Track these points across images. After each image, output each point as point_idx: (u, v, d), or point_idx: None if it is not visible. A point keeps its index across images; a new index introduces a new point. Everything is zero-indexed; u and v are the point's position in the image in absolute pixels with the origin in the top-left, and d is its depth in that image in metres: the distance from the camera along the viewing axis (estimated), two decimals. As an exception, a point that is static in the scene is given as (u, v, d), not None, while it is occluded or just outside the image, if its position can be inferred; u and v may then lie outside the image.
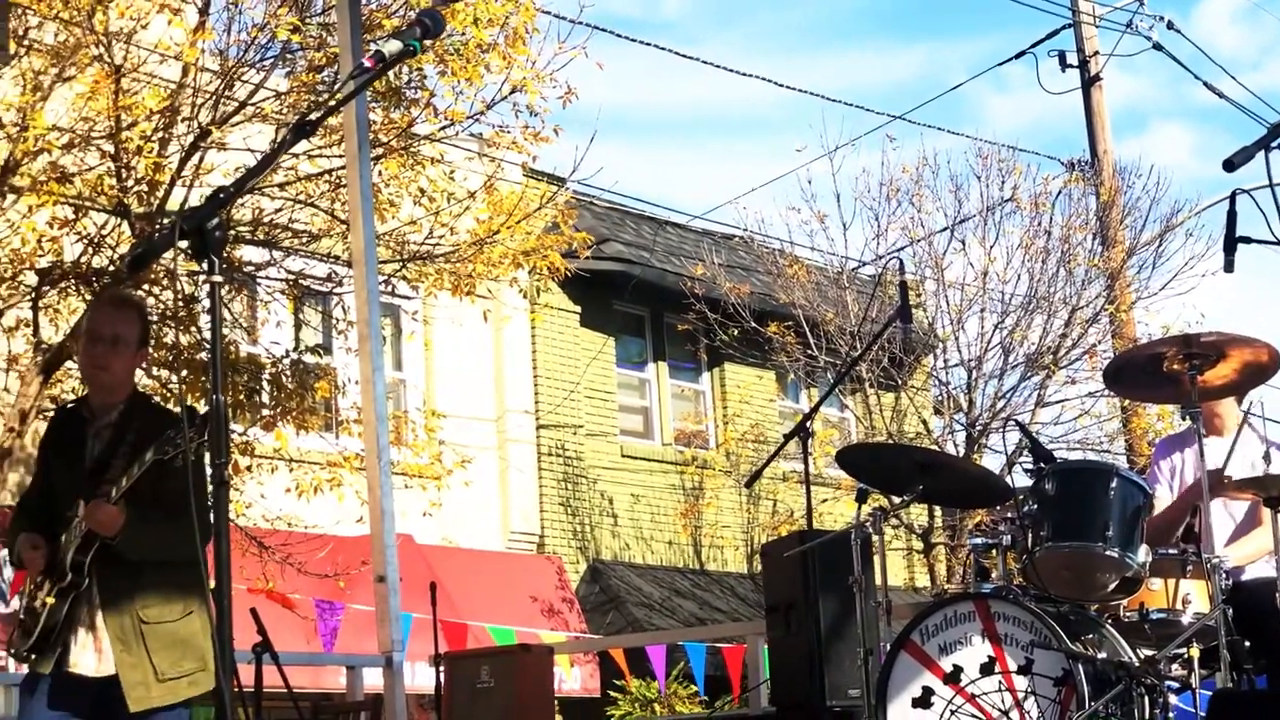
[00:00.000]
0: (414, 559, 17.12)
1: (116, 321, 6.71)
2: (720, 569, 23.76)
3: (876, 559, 8.20)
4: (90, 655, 6.47)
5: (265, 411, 14.11)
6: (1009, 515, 7.81)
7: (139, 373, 13.40)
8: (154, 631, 6.43)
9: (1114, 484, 7.51)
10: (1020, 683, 7.13)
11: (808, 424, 8.89)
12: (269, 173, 13.15)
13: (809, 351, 21.25)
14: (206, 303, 13.41)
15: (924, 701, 7.37)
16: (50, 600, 6.47)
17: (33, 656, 6.54)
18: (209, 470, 4.54)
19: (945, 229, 21.43)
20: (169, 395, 13.19)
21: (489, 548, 20.78)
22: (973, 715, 7.21)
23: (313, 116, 4.25)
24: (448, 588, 16.61)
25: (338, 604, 16.51)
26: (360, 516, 14.03)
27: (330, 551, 16.15)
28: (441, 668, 10.90)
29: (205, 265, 4.17)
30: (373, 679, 10.69)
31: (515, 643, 15.05)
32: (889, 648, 7.67)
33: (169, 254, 4.11)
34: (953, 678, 7.32)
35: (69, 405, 7.08)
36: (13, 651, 6.73)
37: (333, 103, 5.04)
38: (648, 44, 17.44)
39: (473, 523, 20.16)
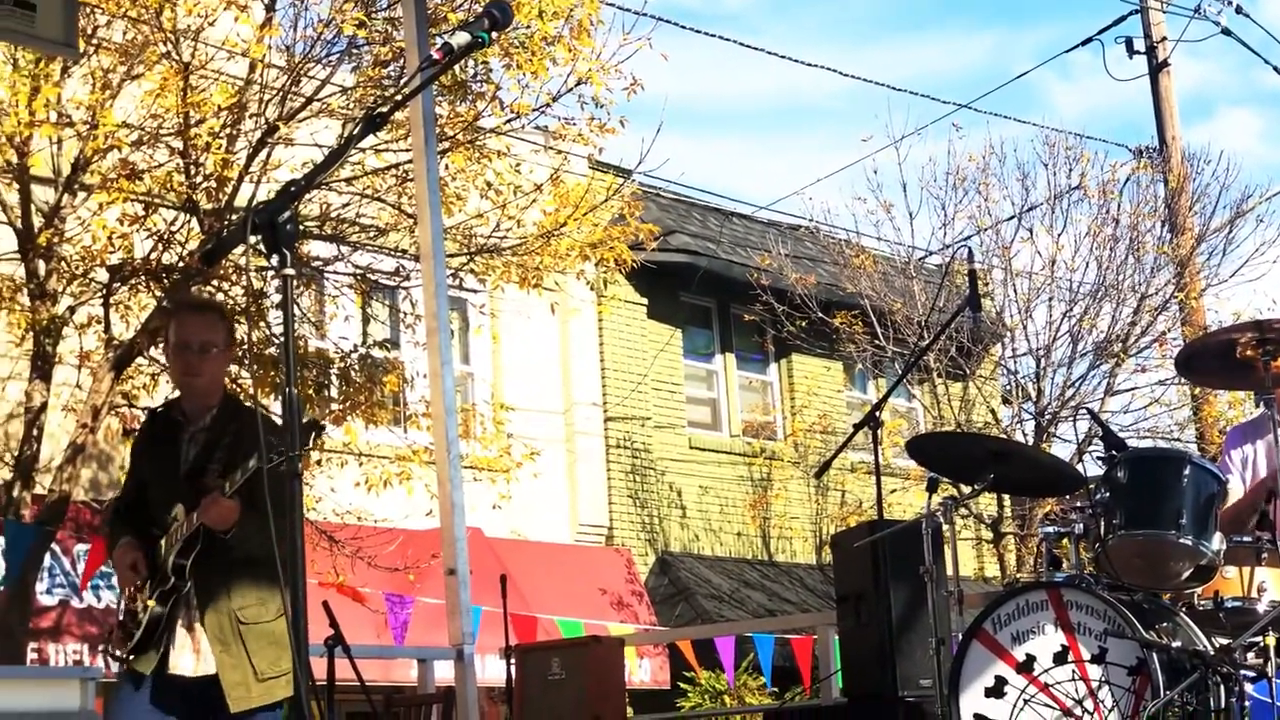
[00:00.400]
0: (483, 552, 17.15)
1: (202, 328, 6.76)
2: (789, 560, 23.72)
3: (947, 548, 8.19)
4: (189, 656, 6.53)
5: (334, 406, 14.16)
6: (1079, 504, 7.77)
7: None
8: (252, 631, 6.49)
9: (1187, 471, 7.47)
10: (1094, 672, 7.09)
11: (877, 413, 8.86)
12: (336, 167, 13.21)
13: (876, 341, 21.19)
14: (276, 297, 13.55)
15: (997, 691, 7.35)
16: (151, 603, 6.52)
17: (131, 657, 6.58)
18: (285, 468, 4.58)
19: (1012, 217, 21.35)
20: (239, 390, 13.26)
21: (558, 540, 20.80)
22: (1046, 704, 7.18)
23: (382, 110, 4.26)
24: (517, 581, 16.66)
25: (408, 598, 16.56)
26: (430, 510, 14.07)
27: (400, 545, 16.20)
28: (512, 660, 10.91)
29: (277, 259, 4.19)
30: (443, 672, 10.70)
31: (585, 635, 15.07)
32: (961, 637, 7.64)
33: (240, 248, 4.13)
34: (1026, 667, 7.29)
35: (160, 409, 7.12)
36: (112, 653, 6.78)
37: (401, 96, 5.02)
38: (711, 35, 17.46)
39: (541, 516, 20.19)
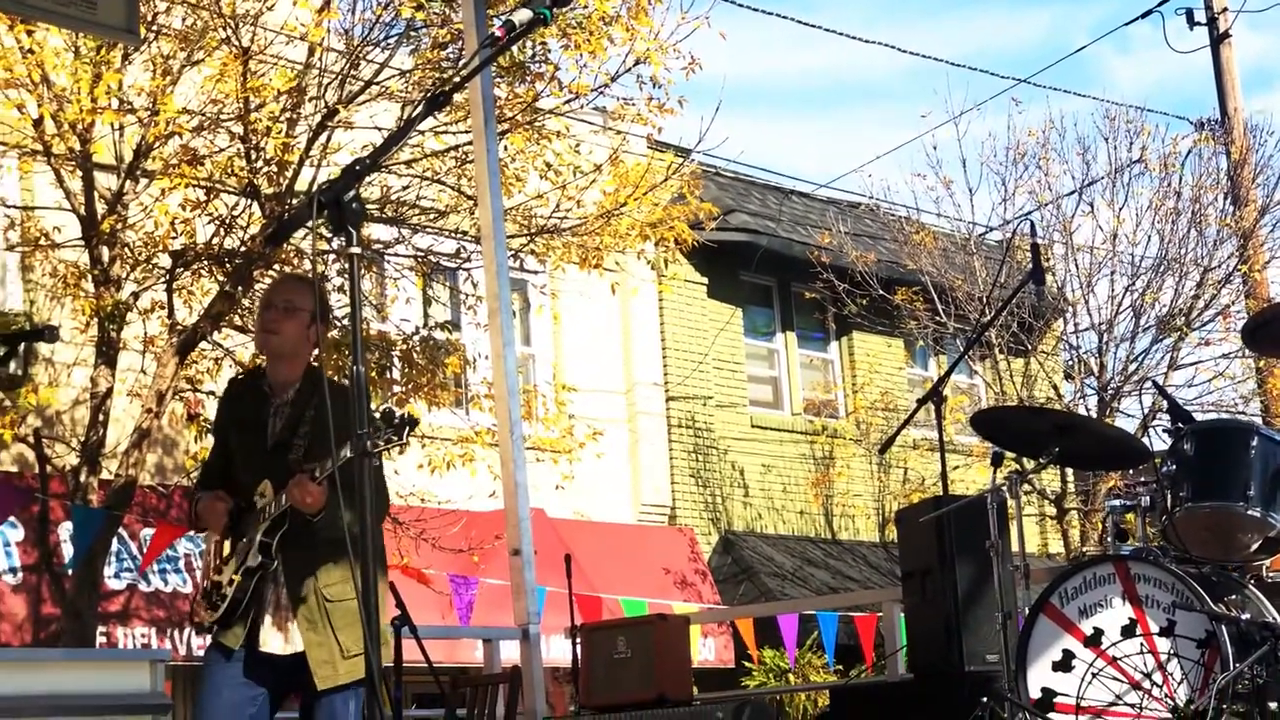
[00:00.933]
0: (546, 533, 17.19)
1: (288, 290, 6.79)
2: (852, 538, 23.69)
3: (1012, 524, 8.16)
4: (277, 636, 6.58)
5: (396, 388, 14.20)
6: (1143, 479, 7.75)
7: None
8: (337, 610, 6.52)
9: (1255, 443, 7.43)
10: (1162, 645, 7.07)
11: (940, 389, 8.84)
12: (396, 150, 13.24)
13: (937, 318, 21.15)
14: (337, 280, 13.60)
15: (1064, 665, 7.34)
16: (237, 578, 6.56)
17: (216, 629, 6.63)
18: (359, 444, 4.60)
19: (1073, 192, 21.27)
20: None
21: (620, 521, 20.82)
22: (1114, 678, 7.16)
23: (444, 89, 4.27)
24: (580, 561, 16.67)
25: (472, 579, 16.61)
26: (493, 491, 14.11)
27: (463, 527, 16.25)
28: (578, 639, 10.93)
29: (343, 238, 4.20)
30: (509, 652, 10.74)
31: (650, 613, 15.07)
32: (1028, 611, 7.62)
33: (303, 230, 4.15)
34: (1093, 640, 7.27)
35: (242, 376, 7.12)
36: (196, 621, 6.83)
37: (463, 74, 5.02)
38: (769, 13, 17.32)
39: (604, 496, 20.21)
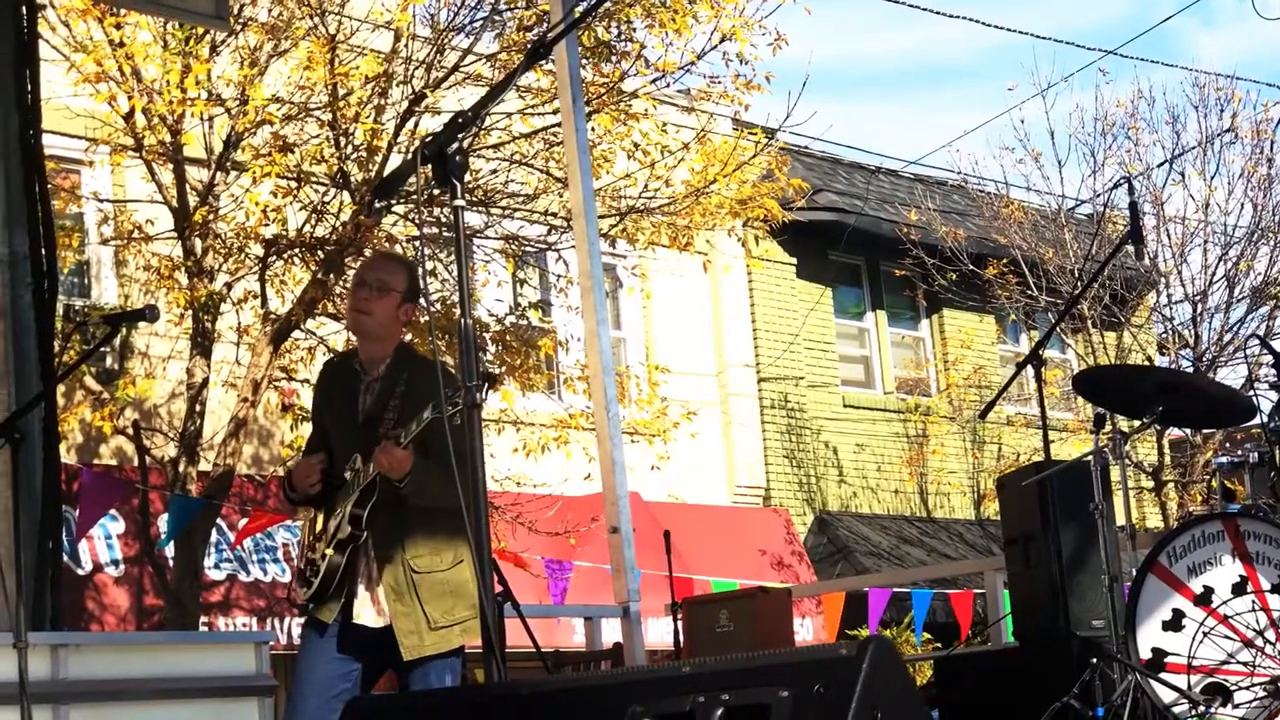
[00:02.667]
0: (641, 515, 17.13)
1: (379, 268, 6.79)
2: (947, 516, 23.59)
3: (1116, 487, 8.08)
4: (370, 609, 6.57)
5: (492, 369, 14.21)
6: (1250, 437, 7.67)
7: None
8: (425, 581, 6.50)
9: (1363, 395, 7.34)
10: (1275, 601, 7.00)
11: (1040, 350, 8.75)
12: (483, 133, 13.26)
13: (1028, 292, 21.03)
14: (427, 264, 13.62)
15: (1174, 624, 7.27)
16: (330, 552, 6.56)
17: (311, 606, 6.66)
18: (463, 400, 4.58)
19: (1164, 162, 21.13)
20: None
21: (715, 502, 20.80)
22: (1226, 636, 7.09)
23: (545, 40, 4.26)
24: (676, 544, 16.63)
25: (566, 563, 16.62)
26: (588, 474, 14.12)
27: (559, 510, 16.25)
28: (679, 615, 10.90)
29: (448, 190, 4.20)
30: (608, 631, 10.72)
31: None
32: (1136, 572, 7.55)
33: (409, 181, 4.14)
34: (1203, 599, 7.20)
35: (337, 358, 7.16)
36: (291, 599, 6.86)
37: (564, 26, 5.01)
38: (852, -10, 17.18)
39: (698, 478, 20.19)
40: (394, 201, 13.18)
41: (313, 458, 6.71)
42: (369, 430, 6.58)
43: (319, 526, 6.70)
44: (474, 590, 6.46)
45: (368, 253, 13.28)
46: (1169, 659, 7.26)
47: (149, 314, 6.65)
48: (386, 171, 13.01)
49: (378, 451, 6.32)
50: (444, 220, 13.59)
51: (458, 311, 13.10)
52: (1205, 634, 7.12)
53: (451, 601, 6.52)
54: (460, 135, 4.14)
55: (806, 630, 19.82)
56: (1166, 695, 7.20)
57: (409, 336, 13.26)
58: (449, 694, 6.14)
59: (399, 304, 6.69)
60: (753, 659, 3.73)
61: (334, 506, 6.63)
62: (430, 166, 4.14)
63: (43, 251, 8.14)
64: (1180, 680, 7.20)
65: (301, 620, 6.90)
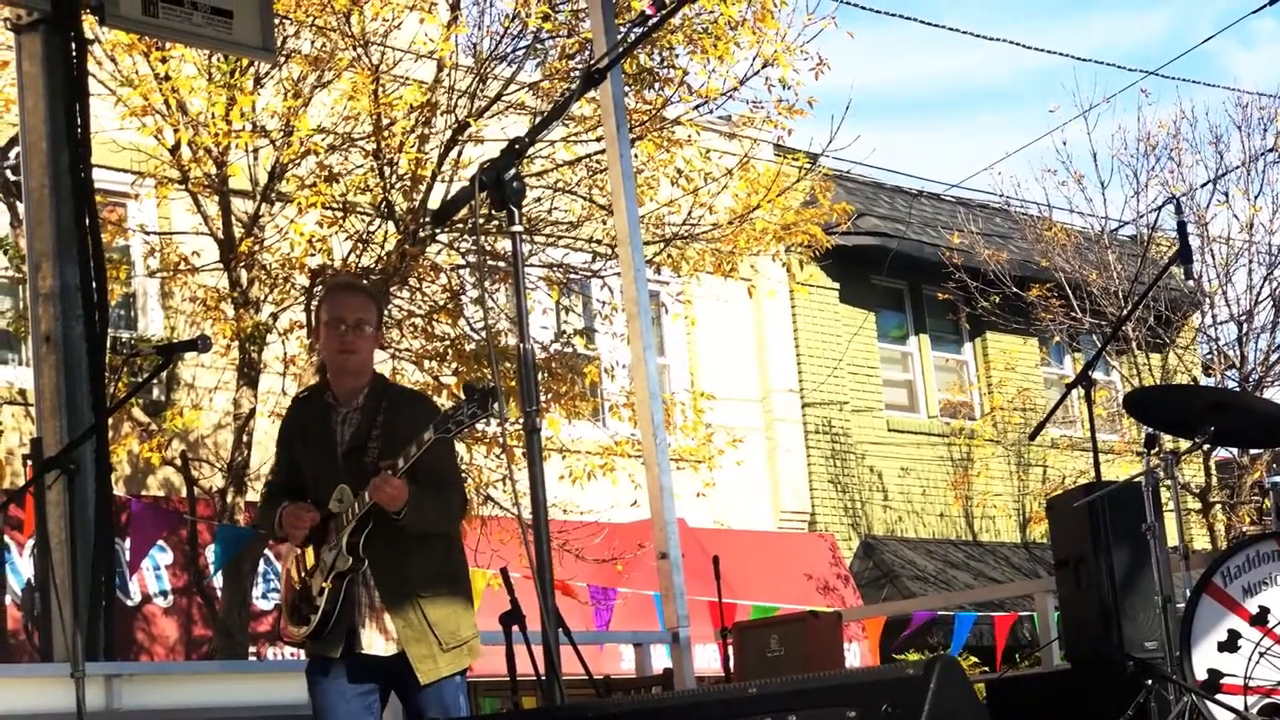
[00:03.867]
0: (688, 542, 17.08)
1: (356, 306, 6.76)
2: (993, 539, 23.52)
3: (1167, 507, 8.05)
4: (379, 638, 6.56)
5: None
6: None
7: (411, 366, 13.61)
8: (431, 605, 6.52)
9: None
10: (1331, 621, 6.95)
11: (1089, 371, 8.72)
12: (527, 161, 13.29)
13: (1072, 314, 20.98)
14: (473, 292, 13.65)
15: (1230, 645, 7.23)
16: (327, 585, 6.54)
17: (310, 642, 6.64)
18: (496, 428, 4.60)
19: (1207, 183, 21.07)
20: (441, 387, 13.38)
21: (760, 528, 20.77)
22: (1283, 656, 7.05)
23: (600, 65, 4.28)
24: (722, 570, 16.64)
25: (611, 590, 16.61)
26: (634, 501, 14.11)
27: (605, 537, 16.25)
28: (730, 640, 10.89)
29: (505, 216, 4.22)
30: (657, 657, 10.72)
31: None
32: (1189, 593, 7.52)
33: (462, 211, 4.15)
34: (1259, 619, 7.16)
35: (305, 393, 7.18)
36: (287, 640, 6.84)
37: (619, 51, 5.02)
38: (892, 14, 17.27)
39: (743, 504, 20.16)
40: (439, 230, 13.22)
41: (307, 509, 6.65)
42: (351, 461, 6.58)
43: (309, 562, 6.66)
44: (472, 611, 6.64)
45: (413, 282, 13.33)
46: (1225, 680, 7.22)
47: (200, 344, 6.70)
48: (431, 201, 13.05)
49: (376, 484, 6.31)
50: (487, 250, 13.63)
51: (503, 338, 13.10)
52: (1262, 654, 7.08)
53: (456, 622, 6.56)
54: (516, 161, 4.15)
55: (854, 654, 19.76)
56: (1223, 717, 7.17)
57: (454, 365, 13.41)
58: (515, 716, 6.17)
59: (375, 333, 6.77)
60: (818, 679, 3.73)
61: (323, 540, 6.62)
62: (486, 193, 4.16)
63: (93, 284, 8.19)
64: (1237, 701, 7.17)
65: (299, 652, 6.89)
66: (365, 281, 13.22)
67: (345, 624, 6.57)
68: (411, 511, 6.37)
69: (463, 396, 6.04)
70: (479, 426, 6.38)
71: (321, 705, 6.66)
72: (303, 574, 6.70)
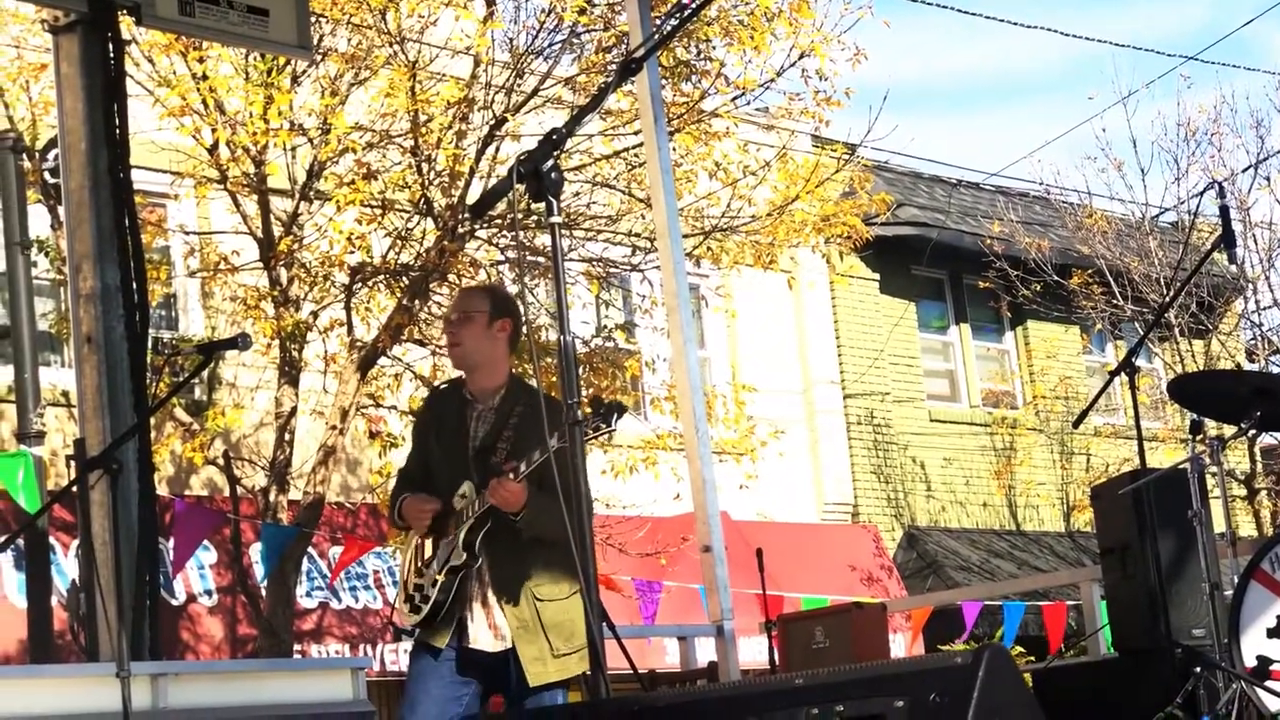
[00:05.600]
0: (731, 535, 17.02)
1: (460, 302, 6.92)
2: (1037, 529, 23.44)
3: (1214, 494, 8.00)
4: (487, 632, 6.63)
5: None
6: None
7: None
8: (547, 609, 6.59)
9: None
10: (1380, 605, 6.90)
11: (1133, 358, 8.68)
12: (564, 156, 13.26)
13: (1114, 302, 20.90)
14: (513, 287, 13.62)
15: (1279, 631, 7.18)
16: (440, 578, 6.63)
17: (419, 631, 6.72)
18: (564, 417, 4.60)
19: (1249, 167, 20.96)
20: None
21: (804, 520, 20.74)
22: (1332, 642, 7.01)
23: (638, 55, 4.25)
24: (766, 562, 16.62)
25: (655, 584, 16.60)
26: (677, 494, 14.09)
27: (648, 531, 16.23)
28: (774, 632, 10.87)
29: (544, 207, 4.20)
30: (703, 650, 10.69)
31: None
32: (1238, 579, 7.47)
33: (503, 202, 4.14)
34: (1309, 605, 7.11)
35: (446, 385, 7.24)
36: (397, 626, 6.92)
37: (657, 39, 5.00)
38: (929, 3, 17.19)
39: (786, 496, 20.13)
40: (478, 225, 13.22)
41: (429, 500, 6.74)
42: (481, 459, 6.66)
43: (427, 552, 6.74)
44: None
45: (452, 278, 13.32)
46: (1274, 666, 7.18)
47: (241, 342, 6.71)
48: (469, 197, 13.04)
49: (494, 485, 6.38)
50: (526, 245, 13.63)
51: (544, 333, 13.13)
52: (1311, 640, 7.04)
53: (570, 630, 6.59)
54: (555, 153, 4.14)
55: (898, 646, 19.71)
56: (1274, 703, 7.12)
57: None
58: (562, 710, 6.18)
59: (487, 324, 6.78)
60: (866, 669, 3.71)
61: (444, 532, 6.67)
62: (524, 184, 4.15)
63: (134, 284, 8.19)
64: (1287, 688, 7.13)
65: (403, 645, 6.98)
66: (406, 279, 13.29)
67: (455, 616, 6.67)
68: (529, 515, 6.43)
69: (589, 409, 5.99)
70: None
71: (413, 689, 6.75)
72: (419, 564, 6.80)
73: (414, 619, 6.72)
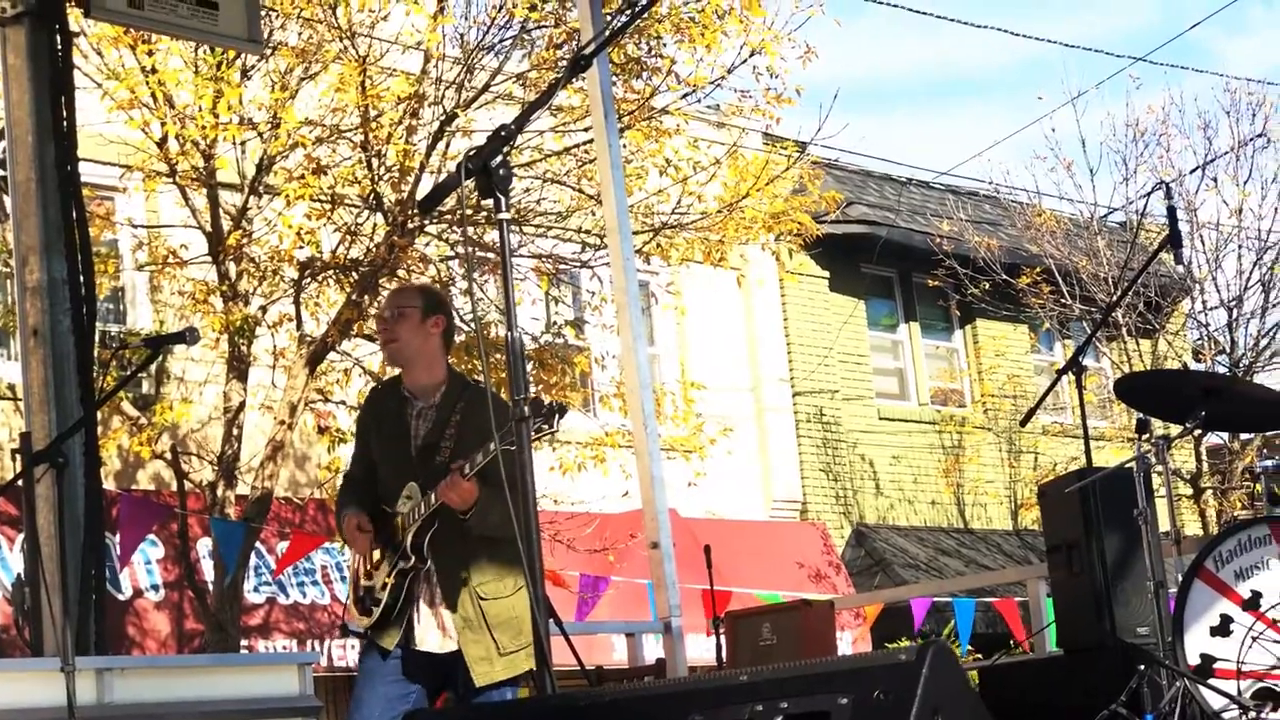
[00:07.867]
0: (680, 532, 17.06)
1: (395, 298, 6.94)
2: (985, 527, 23.52)
3: (1159, 493, 8.03)
4: (435, 633, 6.63)
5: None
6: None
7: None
8: (492, 607, 6.57)
9: None
10: (1325, 605, 6.94)
11: (1080, 358, 8.71)
12: (515, 152, 13.25)
13: (1062, 301, 20.99)
14: (462, 284, 13.62)
15: (1223, 629, 7.22)
16: (389, 580, 6.62)
17: (370, 632, 6.72)
18: (511, 414, 4.59)
19: (1196, 168, 21.09)
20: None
21: (752, 518, 20.75)
22: (1276, 640, 7.04)
23: (586, 52, 4.26)
24: (714, 559, 16.64)
25: (601, 580, 16.60)
26: (625, 491, 14.09)
27: (596, 528, 16.23)
28: (722, 628, 10.88)
29: (492, 203, 4.20)
30: (649, 647, 10.73)
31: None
32: (1181, 578, 7.50)
33: (452, 198, 4.14)
34: (1252, 603, 7.16)
35: (382, 384, 7.23)
36: (349, 626, 6.91)
37: (606, 35, 5.01)
38: (880, 2, 17.21)
39: (735, 493, 20.14)
40: (427, 222, 13.20)
41: (362, 536, 6.73)
42: (424, 458, 6.64)
43: (376, 555, 6.73)
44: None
45: (401, 274, 13.30)
46: (1218, 664, 7.21)
47: (189, 336, 6.68)
48: (419, 193, 13.03)
49: (444, 486, 6.35)
50: (475, 239, 13.63)
51: (493, 329, 13.11)
52: (1254, 639, 7.07)
53: (517, 627, 6.57)
54: (504, 149, 4.13)
55: (845, 643, 19.76)
56: (1216, 701, 7.16)
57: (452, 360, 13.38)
58: (507, 706, 6.18)
59: (420, 320, 6.76)
60: (811, 666, 3.72)
61: (389, 535, 6.65)
62: (474, 180, 4.14)
63: (81, 278, 8.15)
64: (1230, 686, 7.16)
65: (350, 641, 6.99)
66: (355, 274, 13.27)
67: (404, 617, 6.66)
68: (479, 513, 6.40)
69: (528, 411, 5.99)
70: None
71: (360, 689, 6.75)
72: (369, 565, 6.79)
73: (366, 622, 6.72)
